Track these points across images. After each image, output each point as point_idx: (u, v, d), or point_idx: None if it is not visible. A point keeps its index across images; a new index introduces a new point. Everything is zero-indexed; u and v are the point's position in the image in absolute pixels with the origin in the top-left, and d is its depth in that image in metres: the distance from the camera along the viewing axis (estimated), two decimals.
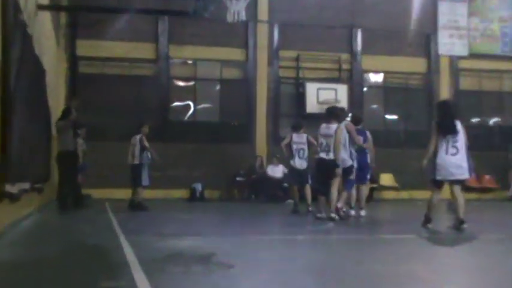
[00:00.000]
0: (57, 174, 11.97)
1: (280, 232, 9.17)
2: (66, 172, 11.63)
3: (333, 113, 9.65)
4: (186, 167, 18.00)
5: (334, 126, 9.39)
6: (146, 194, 15.55)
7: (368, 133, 11.06)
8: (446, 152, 8.04)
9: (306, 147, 11.48)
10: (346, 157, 9.51)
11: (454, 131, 7.98)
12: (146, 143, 11.98)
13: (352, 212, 10.76)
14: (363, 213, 10.98)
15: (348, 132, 9.54)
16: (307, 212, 11.36)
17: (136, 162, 12.15)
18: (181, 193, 17.60)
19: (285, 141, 11.96)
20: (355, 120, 10.85)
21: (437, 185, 8.33)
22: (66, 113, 12.11)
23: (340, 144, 9.33)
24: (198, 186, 17.36)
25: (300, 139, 11.49)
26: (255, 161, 18.14)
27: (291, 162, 11.82)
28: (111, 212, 11.60)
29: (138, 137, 12.24)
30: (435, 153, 8.18)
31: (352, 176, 9.74)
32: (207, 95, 18.97)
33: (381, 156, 16.97)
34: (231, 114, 18.97)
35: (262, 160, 18.10)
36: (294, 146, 11.72)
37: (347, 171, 9.55)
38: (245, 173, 18.01)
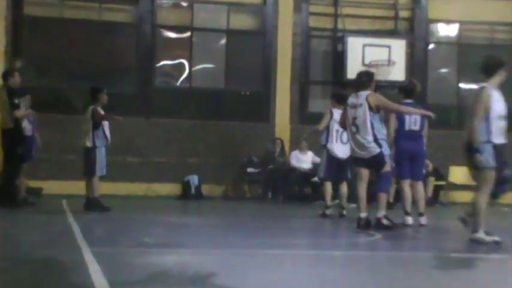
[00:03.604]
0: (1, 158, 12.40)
1: (308, 245, 9.27)
2: (13, 155, 12.30)
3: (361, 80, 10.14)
4: (177, 152, 18.12)
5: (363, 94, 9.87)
6: (120, 188, 16.57)
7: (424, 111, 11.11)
8: None
9: None
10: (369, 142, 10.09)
11: None
12: (100, 115, 12.34)
13: (410, 220, 10.90)
14: (423, 221, 11.07)
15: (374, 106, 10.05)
16: (340, 216, 12.06)
17: (89, 144, 12.49)
18: (169, 188, 17.86)
19: (324, 123, 12.20)
20: (406, 91, 11.19)
21: None
22: (4, 77, 12.79)
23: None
24: (194, 179, 17.63)
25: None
26: (273, 146, 18.23)
27: (329, 147, 12.20)
28: (71, 213, 11.75)
29: (91, 108, 12.54)
30: None
31: (386, 168, 10.16)
32: (208, 51, 19.04)
33: (452, 142, 16.47)
34: (241, 79, 19.01)
35: (283, 144, 18.24)
36: (335, 127, 12.03)
37: (376, 162, 10.07)
38: (260, 162, 18.20)
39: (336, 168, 12.10)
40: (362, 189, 10.17)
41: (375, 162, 10.08)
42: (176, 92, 18.86)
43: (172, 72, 18.86)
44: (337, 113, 11.80)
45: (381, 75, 16.50)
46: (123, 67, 18.43)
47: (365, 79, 10.28)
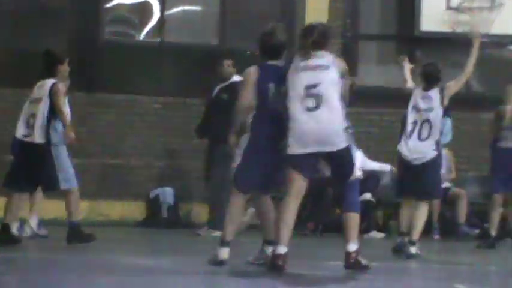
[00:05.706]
0: None
1: None
2: None
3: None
4: (138, 149, 16.46)
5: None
6: (46, 209, 14.25)
7: None
8: None
9: (437, 116, 11.34)
10: None
11: None
12: (62, 100, 11.53)
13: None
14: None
15: None
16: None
17: (40, 140, 11.42)
18: (126, 209, 16.22)
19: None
20: None
21: None
22: None
23: None
24: (166, 195, 15.96)
25: (425, 100, 11.31)
26: None
27: (399, 147, 11.88)
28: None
29: (49, 84, 11.41)
30: None
31: (356, 175, 9.69)
32: None
33: None
34: (246, 30, 16.84)
35: None
36: (412, 115, 11.70)
37: (340, 162, 9.53)
38: None
39: (410, 179, 11.61)
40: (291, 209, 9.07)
41: (338, 163, 9.09)
42: (138, 50, 16.77)
43: (130, 18, 17.03)
44: (418, 94, 11.54)
45: (478, 26, 15.29)
46: (48, 10, 16.21)
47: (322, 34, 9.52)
